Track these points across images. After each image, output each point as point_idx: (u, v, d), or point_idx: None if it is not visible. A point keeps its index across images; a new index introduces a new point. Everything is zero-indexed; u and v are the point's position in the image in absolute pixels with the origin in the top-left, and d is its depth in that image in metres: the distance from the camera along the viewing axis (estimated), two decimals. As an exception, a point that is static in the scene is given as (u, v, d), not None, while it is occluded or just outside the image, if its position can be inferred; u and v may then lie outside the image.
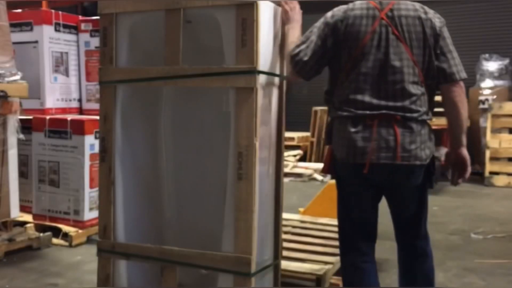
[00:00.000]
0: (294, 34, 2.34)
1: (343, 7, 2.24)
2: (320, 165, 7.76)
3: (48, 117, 4.32)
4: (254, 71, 2.06)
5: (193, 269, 2.28)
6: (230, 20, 2.09)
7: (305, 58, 2.19)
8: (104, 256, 2.36)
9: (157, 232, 2.67)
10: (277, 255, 2.45)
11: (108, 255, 2.36)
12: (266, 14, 2.21)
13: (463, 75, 2.23)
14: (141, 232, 2.53)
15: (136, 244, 2.34)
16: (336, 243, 3.26)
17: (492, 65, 7.87)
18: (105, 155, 2.33)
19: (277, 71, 2.39)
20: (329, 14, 2.26)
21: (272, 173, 2.37)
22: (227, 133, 2.16)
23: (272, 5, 2.31)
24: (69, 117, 4.34)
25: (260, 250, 2.20)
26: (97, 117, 4.32)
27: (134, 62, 2.39)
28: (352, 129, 2.14)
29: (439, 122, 7.59)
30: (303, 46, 2.22)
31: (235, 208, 2.09)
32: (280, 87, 2.43)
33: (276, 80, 2.39)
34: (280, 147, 2.40)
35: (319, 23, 2.26)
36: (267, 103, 2.27)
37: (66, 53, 4.68)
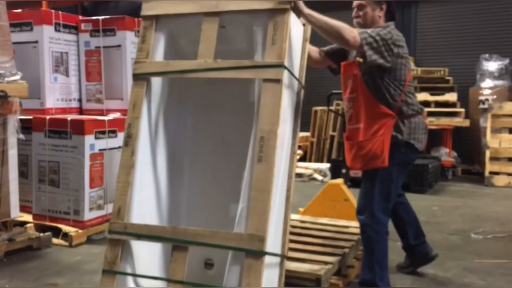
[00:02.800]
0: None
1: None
2: (319, 165, 7.77)
3: (48, 117, 4.32)
4: (281, 65, 2.23)
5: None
6: (263, 23, 2.30)
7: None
8: (115, 237, 2.31)
9: (170, 219, 2.68)
10: (283, 252, 2.46)
11: (119, 235, 2.31)
12: (294, 21, 2.44)
13: None
14: (154, 217, 2.54)
15: (149, 225, 2.32)
16: (336, 242, 3.29)
17: (492, 65, 7.87)
18: (129, 140, 2.39)
19: (297, 76, 2.62)
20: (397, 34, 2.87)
21: (285, 169, 2.43)
22: (250, 121, 2.27)
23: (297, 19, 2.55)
24: (69, 117, 4.34)
25: (270, 239, 2.21)
26: (97, 117, 4.37)
27: (169, 59, 2.52)
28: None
29: (439, 122, 7.64)
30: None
31: (253, 188, 2.12)
32: (298, 95, 2.66)
33: (296, 86, 2.61)
34: (294, 147, 2.56)
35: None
36: (287, 102, 2.41)
37: (66, 53, 4.68)
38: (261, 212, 2.09)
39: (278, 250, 2.40)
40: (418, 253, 3.34)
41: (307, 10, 2.52)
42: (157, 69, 2.43)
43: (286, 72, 2.28)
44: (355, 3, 2.95)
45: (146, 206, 2.49)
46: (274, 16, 2.28)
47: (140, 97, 2.41)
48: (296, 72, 2.60)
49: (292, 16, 2.37)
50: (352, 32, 2.66)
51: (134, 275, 2.31)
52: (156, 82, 2.55)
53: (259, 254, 2.06)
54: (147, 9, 2.49)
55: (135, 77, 2.45)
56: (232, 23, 2.47)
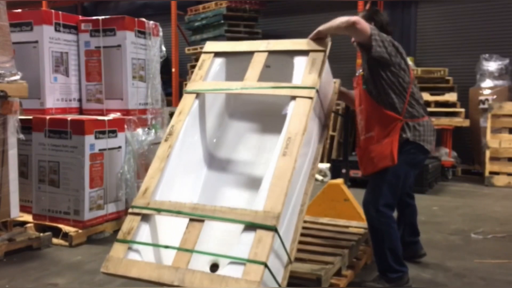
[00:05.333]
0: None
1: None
2: (319, 165, 7.77)
3: (48, 117, 4.32)
4: (314, 88, 2.65)
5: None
6: (303, 60, 2.80)
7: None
8: (135, 211, 2.45)
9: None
10: (290, 257, 2.51)
11: (139, 210, 2.44)
12: (328, 75, 2.97)
13: None
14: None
15: (170, 201, 2.45)
16: (336, 242, 3.30)
17: (492, 65, 7.86)
18: (169, 137, 2.72)
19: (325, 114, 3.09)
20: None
21: (302, 185, 2.68)
22: (280, 129, 2.55)
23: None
24: (69, 117, 4.34)
25: (283, 228, 2.32)
26: (97, 117, 4.37)
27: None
28: None
29: (439, 122, 7.64)
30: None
31: (273, 176, 2.32)
32: (323, 131, 3.09)
33: (323, 121, 3.04)
34: (313, 171, 2.87)
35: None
36: (313, 126, 2.78)
37: (66, 53, 4.68)
38: (278, 194, 2.26)
39: (285, 258, 2.45)
40: (409, 249, 3.53)
41: (322, 27, 2.85)
42: (206, 87, 2.89)
43: (316, 97, 2.64)
44: None
45: (171, 191, 2.62)
46: (313, 55, 2.79)
47: (186, 107, 2.82)
48: (324, 110, 3.03)
49: (327, 69, 2.92)
50: (364, 23, 2.88)
51: (144, 244, 2.38)
52: (211, 99, 3.01)
53: (271, 229, 2.16)
54: (209, 48, 3.07)
55: (185, 92, 2.90)
56: (276, 63, 2.93)
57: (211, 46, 3.09)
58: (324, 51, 2.80)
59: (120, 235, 2.38)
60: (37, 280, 3.32)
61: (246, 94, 2.92)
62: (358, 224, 3.75)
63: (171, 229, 2.46)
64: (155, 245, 2.43)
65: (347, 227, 3.68)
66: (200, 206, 2.38)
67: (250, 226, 2.20)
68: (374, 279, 3.17)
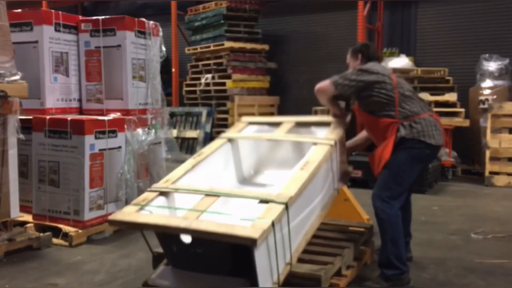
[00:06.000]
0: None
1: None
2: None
3: (48, 117, 4.32)
4: (334, 140, 3.12)
5: None
6: (325, 129, 3.38)
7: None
8: (153, 189, 2.68)
9: None
10: (291, 259, 2.56)
11: (158, 189, 2.67)
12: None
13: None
14: None
15: (189, 184, 2.73)
16: (336, 243, 3.30)
17: (492, 65, 7.85)
18: (197, 157, 3.06)
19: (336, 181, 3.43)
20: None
21: (309, 215, 2.86)
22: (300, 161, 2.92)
23: None
24: (69, 117, 4.34)
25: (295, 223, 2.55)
26: (97, 117, 4.37)
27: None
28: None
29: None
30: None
31: (290, 179, 2.61)
32: (332, 194, 3.30)
33: (334, 185, 3.33)
34: (322, 212, 3.10)
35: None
36: (325, 175, 3.10)
37: (66, 53, 4.68)
38: (293, 186, 2.53)
39: (288, 256, 2.54)
40: None
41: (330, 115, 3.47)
42: (238, 135, 3.43)
43: (334, 150, 3.07)
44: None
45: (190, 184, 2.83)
46: (335, 123, 3.36)
47: (216, 145, 3.26)
48: (338, 174, 3.38)
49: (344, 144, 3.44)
50: (323, 83, 3.26)
51: (157, 207, 2.52)
52: (244, 150, 3.48)
53: (282, 203, 2.36)
54: (244, 119, 3.67)
55: (218, 138, 3.39)
56: (300, 132, 3.43)
57: (247, 118, 3.71)
58: (344, 123, 3.38)
59: (133, 202, 2.52)
60: (37, 280, 3.32)
61: (274, 141, 3.46)
62: (358, 224, 3.75)
63: (185, 204, 2.57)
64: (167, 207, 2.57)
65: (347, 226, 3.67)
66: (217, 188, 2.65)
67: (264, 201, 2.40)
68: (373, 280, 3.18)
